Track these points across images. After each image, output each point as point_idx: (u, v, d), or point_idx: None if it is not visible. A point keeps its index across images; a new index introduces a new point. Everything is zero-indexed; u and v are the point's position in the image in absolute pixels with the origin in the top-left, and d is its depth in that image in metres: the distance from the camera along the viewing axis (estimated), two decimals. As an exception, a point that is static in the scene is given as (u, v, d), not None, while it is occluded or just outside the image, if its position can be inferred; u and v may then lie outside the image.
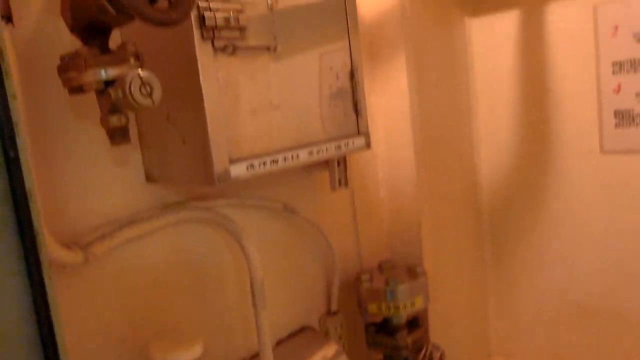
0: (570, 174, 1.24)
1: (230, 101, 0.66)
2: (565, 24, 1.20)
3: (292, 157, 0.71)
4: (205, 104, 0.62)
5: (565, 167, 1.25)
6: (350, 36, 0.81)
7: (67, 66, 0.57)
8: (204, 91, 0.62)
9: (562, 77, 1.22)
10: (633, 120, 1.13)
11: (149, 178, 0.75)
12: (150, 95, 0.53)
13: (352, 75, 0.81)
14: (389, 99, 1.09)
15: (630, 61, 1.12)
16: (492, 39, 1.31)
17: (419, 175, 1.10)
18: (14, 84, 0.33)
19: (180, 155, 0.69)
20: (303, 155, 0.73)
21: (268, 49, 0.70)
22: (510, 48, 1.28)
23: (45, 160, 0.66)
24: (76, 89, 0.57)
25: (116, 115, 0.58)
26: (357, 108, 0.81)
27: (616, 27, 1.13)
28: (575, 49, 1.19)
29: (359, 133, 0.82)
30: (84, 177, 0.69)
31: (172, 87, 0.62)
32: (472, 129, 1.37)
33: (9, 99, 0.33)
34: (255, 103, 0.69)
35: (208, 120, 0.63)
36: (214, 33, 0.63)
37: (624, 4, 1.11)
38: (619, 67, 1.14)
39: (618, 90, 1.15)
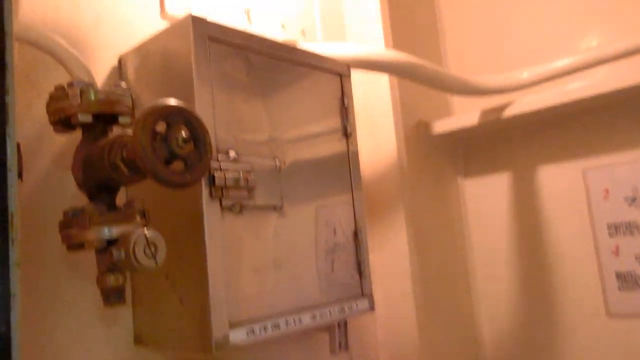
0: (576, 335, 1.19)
1: (233, 260, 0.64)
2: (557, 186, 1.24)
3: (295, 321, 0.67)
4: (209, 264, 0.60)
5: (570, 328, 1.20)
6: (353, 194, 0.83)
7: (70, 222, 0.55)
8: (208, 251, 0.60)
9: (558, 238, 1.23)
10: (636, 282, 1.12)
11: (138, 340, 0.69)
12: (154, 256, 0.51)
13: (356, 234, 0.80)
14: (389, 258, 1.08)
15: (626, 224, 1.14)
16: (486, 199, 1.34)
17: (421, 337, 1.04)
18: (19, 252, 0.31)
19: (175, 317, 0.64)
20: (306, 320, 0.69)
21: (274, 208, 0.70)
22: (504, 209, 1.31)
23: (31, 320, 0.61)
24: (76, 246, 0.55)
25: (114, 275, 0.55)
26: (360, 268, 0.79)
27: (607, 191, 1.16)
28: (570, 210, 1.21)
29: (362, 295, 0.79)
30: (68, 335, 0.64)
31: (175, 244, 0.60)
32: (472, 289, 1.34)
33: (11, 267, 0.30)
34: (257, 262, 0.67)
35: (210, 281, 0.60)
36: (222, 192, 0.63)
37: (609, 170, 1.15)
38: (614, 229, 1.15)
39: (617, 252, 1.15)
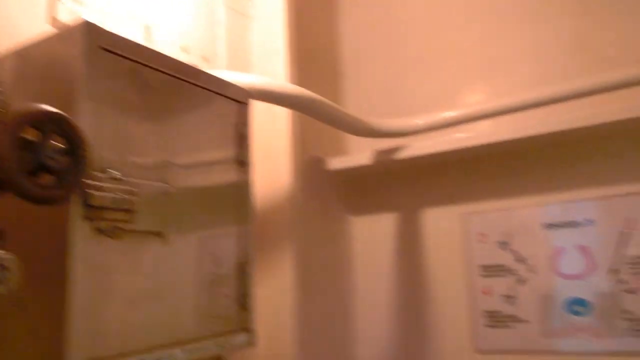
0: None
1: (104, 289, 0.59)
2: (438, 229, 1.31)
3: (167, 356, 0.63)
4: (70, 292, 0.54)
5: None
6: (243, 225, 0.81)
7: None
8: (71, 276, 0.55)
9: (437, 278, 1.29)
10: (502, 320, 1.20)
11: (-18, 376, 0.61)
12: (5, 281, 0.45)
13: (241, 266, 0.78)
14: (274, 294, 1.07)
15: (496, 266, 1.22)
16: (372, 238, 1.39)
17: (303, 373, 1.03)
18: None
19: (23, 351, 0.57)
20: (178, 355, 0.65)
21: (157, 234, 0.66)
22: (389, 248, 1.36)
23: None
24: None
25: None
26: (244, 302, 0.77)
27: (483, 234, 1.25)
28: (448, 252, 1.29)
29: (243, 329, 0.76)
30: None
31: (33, 266, 0.55)
32: (352, 328, 1.36)
33: None
34: (133, 292, 0.62)
35: (69, 312, 0.54)
36: (98, 213, 0.58)
37: (487, 215, 1.25)
38: (486, 270, 1.23)
39: (487, 292, 1.23)
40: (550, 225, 1.18)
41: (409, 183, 1.36)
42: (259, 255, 1.09)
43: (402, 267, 1.34)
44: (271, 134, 1.16)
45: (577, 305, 1.13)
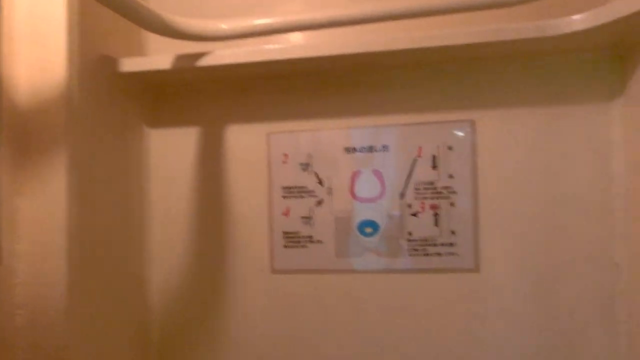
0: (244, 291, 1.22)
1: None
2: (242, 148, 1.24)
3: None
4: None
5: (240, 284, 1.23)
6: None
7: None
8: None
9: (239, 198, 1.24)
10: (298, 241, 1.20)
11: None
12: None
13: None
14: (41, 205, 0.90)
15: (297, 188, 1.21)
16: (171, 153, 1.27)
17: (73, 301, 0.90)
18: None
19: None
20: None
21: None
22: (189, 165, 1.26)
23: None
24: None
25: None
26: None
27: (287, 155, 1.22)
28: (252, 172, 1.23)
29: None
30: None
31: None
32: (145, 248, 1.25)
33: None
34: None
35: None
36: None
37: (292, 136, 1.21)
38: (288, 192, 1.21)
39: (287, 213, 1.21)
40: (350, 149, 1.19)
41: (214, 96, 1.25)
42: (26, 161, 0.90)
43: (203, 186, 1.25)
44: (44, 22, 0.94)
45: (368, 227, 1.18)
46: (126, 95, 1.18)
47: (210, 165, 1.25)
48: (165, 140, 1.27)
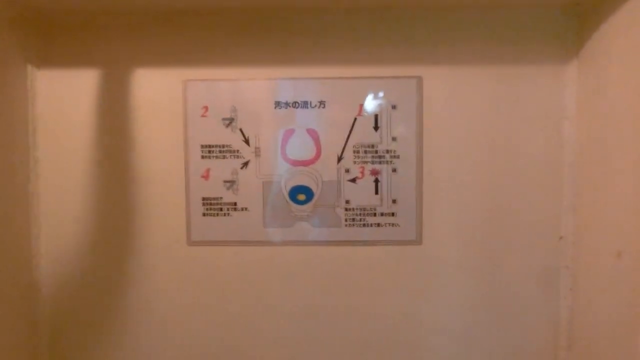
0: (156, 270, 1.05)
1: None
2: (154, 97, 1.04)
3: None
4: None
5: (150, 263, 1.05)
6: None
7: None
8: None
9: (148, 157, 1.05)
10: (220, 209, 1.04)
11: None
12: None
13: None
14: None
15: (220, 147, 1.04)
16: (66, 100, 1.04)
17: None
18: None
19: None
20: None
21: None
22: (88, 116, 1.04)
23: None
24: None
25: None
26: None
27: (206, 108, 1.04)
28: (165, 126, 1.04)
29: None
30: None
31: None
32: (30, 219, 1.03)
33: None
34: None
35: None
36: None
37: (214, 85, 1.03)
38: (208, 151, 1.04)
39: (207, 176, 1.04)
40: (282, 104, 1.03)
41: (120, 32, 1.03)
42: None
43: (105, 142, 1.04)
44: None
45: (301, 194, 1.04)
46: (5, 26, 0.93)
47: (114, 117, 1.04)
48: (56, 83, 1.04)
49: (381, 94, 1.02)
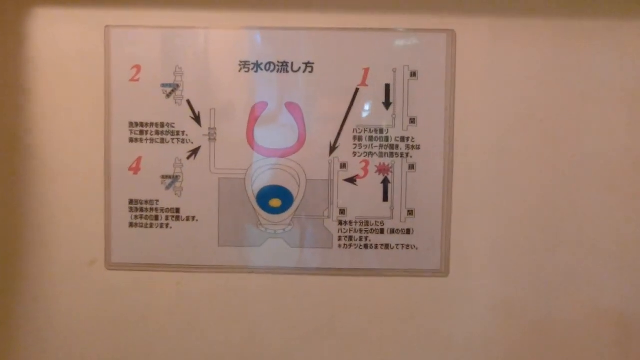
0: (58, 303, 0.73)
1: None
2: (64, 49, 0.70)
3: None
4: None
5: (51, 295, 0.72)
6: None
7: None
8: None
9: (53, 138, 0.71)
10: (156, 218, 0.71)
11: None
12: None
13: None
14: None
15: (157, 125, 0.71)
16: None
17: None
18: None
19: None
20: None
21: None
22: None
23: None
24: None
25: None
26: None
27: (138, 69, 0.70)
28: (78, 93, 0.71)
29: None
30: None
31: None
32: None
33: None
34: None
35: None
36: None
37: (149, 34, 0.70)
38: (139, 131, 0.71)
39: (137, 168, 0.71)
40: (249, 65, 0.70)
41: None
42: None
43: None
44: None
45: (275, 198, 0.71)
46: None
47: (7, 76, 0.70)
48: None
49: (396, 55, 0.70)
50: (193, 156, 0.71)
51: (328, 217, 0.71)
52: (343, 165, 0.71)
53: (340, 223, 0.71)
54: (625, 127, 0.70)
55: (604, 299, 0.71)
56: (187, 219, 0.71)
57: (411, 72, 0.70)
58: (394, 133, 0.70)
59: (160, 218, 0.71)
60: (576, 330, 0.72)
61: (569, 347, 0.72)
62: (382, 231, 0.71)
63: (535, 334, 0.72)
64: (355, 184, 0.71)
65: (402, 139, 0.70)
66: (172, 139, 0.71)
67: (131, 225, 0.71)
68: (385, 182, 0.71)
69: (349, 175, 0.71)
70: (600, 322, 0.71)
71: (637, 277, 0.71)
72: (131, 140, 0.71)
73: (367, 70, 0.70)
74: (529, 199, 0.71)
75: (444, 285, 0.71)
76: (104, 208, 0.71)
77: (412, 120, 0.70)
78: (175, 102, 0.70)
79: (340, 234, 0.71)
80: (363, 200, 0.71)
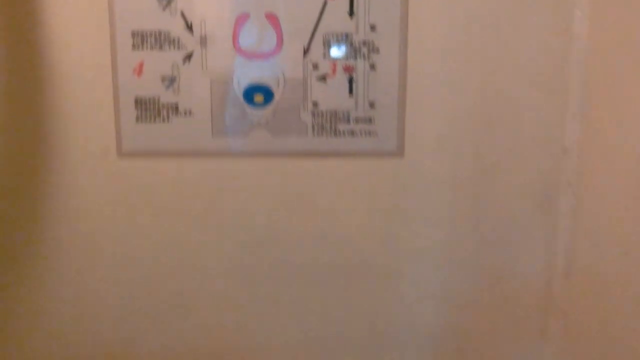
0: (80, 187, 0.86)
1: None
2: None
3: None
4: None
5: (71, 179, 0.86)
6: None
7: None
8: None
9: (64, 46, 0.83)
10: (158, 112, 0.84)
11: None
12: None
13: None
14: None
15: (156, 33, 0.83)
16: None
17: None
18: None
19: None
20: None
21: None
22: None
23: None
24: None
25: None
26: None
27: (136, -16, 0.81)
28: (84, 5, 0.82)
29: None
30: None
31: None
32: None
33: None
34: None
35: None
36: None
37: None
38: (141, 39, 0.83)
39: (140, 71, 0.83)
40: (235, -23, 0.82)
41: None
42: None
43: (4, 27, 0.82)
44: None
45: (258, 94, 0.84)
46: None
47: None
48: None
49: (358, -30, 0.82)
50: (188, 60, 0.83)
51: (303, 110, 0.85)
52: (315, 66, 0.84)
53: (314, 114, 0.85)
54: (548, 30, 0.84)
55: (531, 172, 0.87)
56: (185, 113, 0.85)
57: (371, -14, 0.83)
58: (357, 38, 0.83)
59: (161, 113, 0.85)
60: (509, 196, 0.88)
61: (505, 212, 0.88)
62: (348, 121, 0.85)
63: (477, 205, 0.88)
64: (325, 82, 0.84)
65: (365, 43, 0.84)
66: (169, 46, 0.83)
67: (137, 119, 0.85)
68: (351, 80, 0.84)
69: (320, 74, 0.84)
70: (528, 191, 0.88)
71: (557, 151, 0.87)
72: (133, 46, 0.83)
73: (334, -16, 0.82)
74: (470, 92, 0.85)
75: (399, 164, 0.86)
76: (114, 106, 0.84)
77: (373, 27, 0.83)
78: (170, 13, 0.82)
79: (313, 123, 0.85)
80: (332, 95, 0.84)
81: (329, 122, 0.85)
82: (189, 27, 0.83)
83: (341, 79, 0.84)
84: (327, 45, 0.83)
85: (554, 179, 0.87)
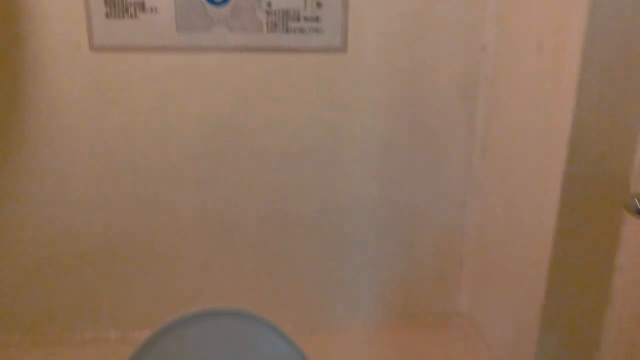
0: (53, 79, 0.94)
1: None
2: None
3: None
4: None
5: (45, 72, 0.94)
6: None
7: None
8: None
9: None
10: (126, 10, 0.93)
11: None
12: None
13: None
14: None
15: None
16: None
17: None
18: None
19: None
20: None
21: None
22: None
23: None
24: None
25: None
26: None
27: None
28: None
29: None
30: None
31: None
32: None
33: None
34: None
35: None
36: None
37: None
38: (107, -59, 0.90)
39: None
40: None
41: None
42: None
43: None
44: None
45: (217, -7, 0.94)
46: None
47: None
48: None
49: None
50: (151, -39, 0.92)
51: (259, 9, 0.95)
52: (268, -31, 0.94)
53: (268, 13, 0.96)
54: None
55: (455, 67, 1.01)
56: (151, 9, 0.93)
57: None
58: (305, -56, 0.94)
59: (129, 10, 0.93)
60: (437, 89, 1.02)
61: (433, 102, 1.03)
62: (298, 19, 0.96)
63: (410, 95, 1.02)
64: (278, -16, 0.95)
65: (312, -51, 0.94)
66: (134, -53, 0.91)
67: (107, 15, 0.93)
68: (300, -18, 0.95)
69: (273, -24, 0.94)
70: (453, 84, 1.02)
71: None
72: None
73: None
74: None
75: (343, 59, 0.99)
76: (84, 2, 0.92)
77: None
78: None
79: (267, 21, 0.96)
80: (284, -4, 0.95)
81: (281, 20, 0.96)
82: None
83: (292, -19, 0.95)
84: (278, -50, 0.93)
85: (474, 73, 1.02)
